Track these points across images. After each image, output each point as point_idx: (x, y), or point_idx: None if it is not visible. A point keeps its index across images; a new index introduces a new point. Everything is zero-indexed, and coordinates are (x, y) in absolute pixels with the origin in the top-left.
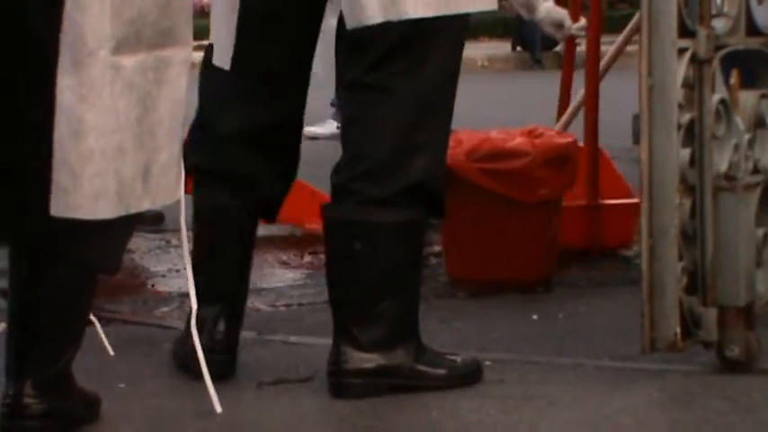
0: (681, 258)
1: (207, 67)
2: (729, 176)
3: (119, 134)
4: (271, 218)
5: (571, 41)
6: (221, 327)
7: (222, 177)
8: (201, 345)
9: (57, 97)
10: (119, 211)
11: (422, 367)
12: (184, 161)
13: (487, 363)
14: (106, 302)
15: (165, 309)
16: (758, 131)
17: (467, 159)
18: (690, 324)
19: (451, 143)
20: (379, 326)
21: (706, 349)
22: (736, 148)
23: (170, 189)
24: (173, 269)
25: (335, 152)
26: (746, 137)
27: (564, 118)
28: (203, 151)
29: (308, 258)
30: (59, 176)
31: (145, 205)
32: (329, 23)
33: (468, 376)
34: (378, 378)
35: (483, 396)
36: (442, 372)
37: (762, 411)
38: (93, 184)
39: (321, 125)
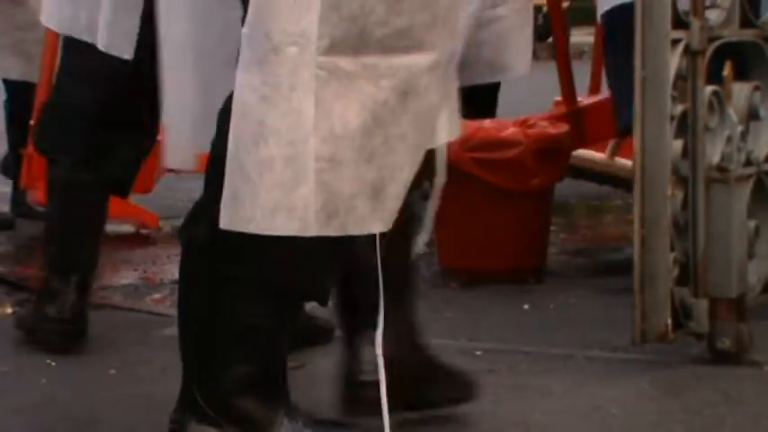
0: (672, 249)
1: (66, 45)
2: (722, 168)
3: (330, 144)
4: (123, 194)
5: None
6: (72, 298)
7: (72, 152)
8: (52, 315)
9: (235, 95)
10: (326, 229)
11: None
12: (36, 143)
13: (478, 352)
14: (98, 288)
15: (157, 295)
16: (751, 123)
17: (460, 148)
18: (681, 315)
19: None
20: None
21: (697, 341)
22: (729, 139)
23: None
24: (164, 256)
25: None
26: (739, 129)
27: None
28: (55, 128)
29: None
30: (232, 183)
31: (374, 227)
32: None
33: None
34: None
35: None
36: None
37: (752, 403)
38: (272, 195)
39: None
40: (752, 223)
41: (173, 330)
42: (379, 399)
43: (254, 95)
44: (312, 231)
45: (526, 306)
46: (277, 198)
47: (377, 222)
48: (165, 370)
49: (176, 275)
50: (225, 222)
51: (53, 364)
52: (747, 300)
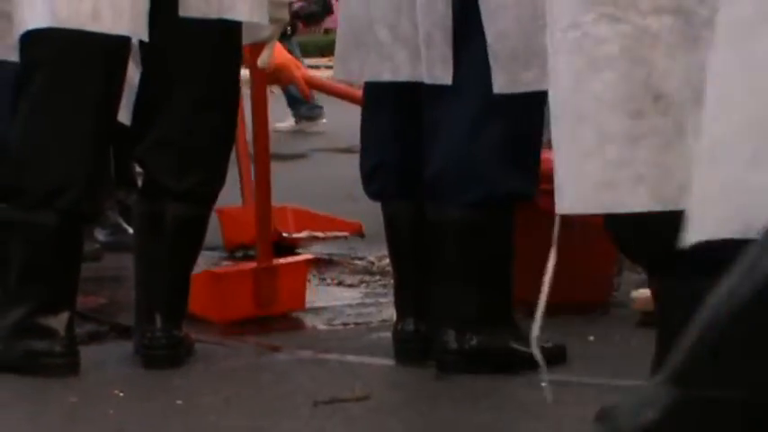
0: None
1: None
2: None
3: None
4: None
5: None
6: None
7: None
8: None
9: None
10: None
11: None
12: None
13: (543, 384)
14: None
15: (222, 326)
16: None
17: None
18: None
19: None
20: None
21: None
22: None
23: None
24: None
25: None
26: None
27: None
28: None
29: (365, 277)
30: None
31: None
32: None
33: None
34: None
35: (539, 417)
36: None
37: None
38: None
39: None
40: None
41: (237, 361)
42: None
43: None
44: None
45: (591, 337)
46: None
47: None
48: (229, 401)
49: None
50: None
51: (121, 394)
52: None
